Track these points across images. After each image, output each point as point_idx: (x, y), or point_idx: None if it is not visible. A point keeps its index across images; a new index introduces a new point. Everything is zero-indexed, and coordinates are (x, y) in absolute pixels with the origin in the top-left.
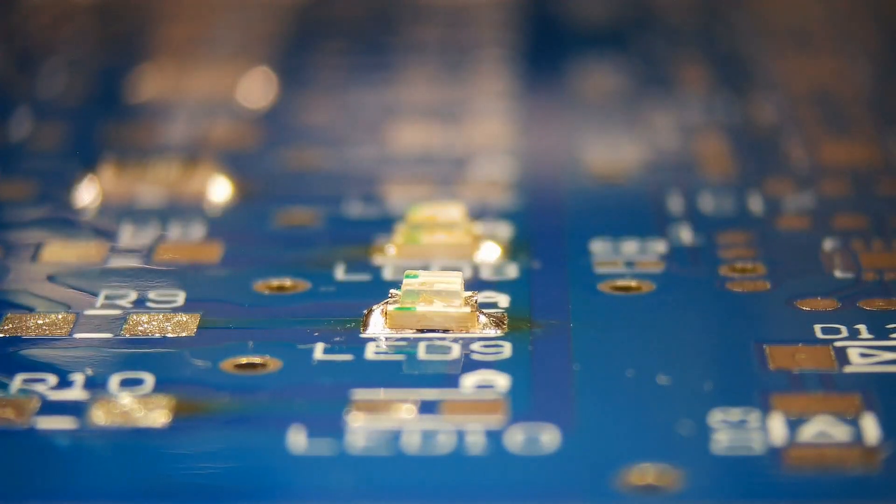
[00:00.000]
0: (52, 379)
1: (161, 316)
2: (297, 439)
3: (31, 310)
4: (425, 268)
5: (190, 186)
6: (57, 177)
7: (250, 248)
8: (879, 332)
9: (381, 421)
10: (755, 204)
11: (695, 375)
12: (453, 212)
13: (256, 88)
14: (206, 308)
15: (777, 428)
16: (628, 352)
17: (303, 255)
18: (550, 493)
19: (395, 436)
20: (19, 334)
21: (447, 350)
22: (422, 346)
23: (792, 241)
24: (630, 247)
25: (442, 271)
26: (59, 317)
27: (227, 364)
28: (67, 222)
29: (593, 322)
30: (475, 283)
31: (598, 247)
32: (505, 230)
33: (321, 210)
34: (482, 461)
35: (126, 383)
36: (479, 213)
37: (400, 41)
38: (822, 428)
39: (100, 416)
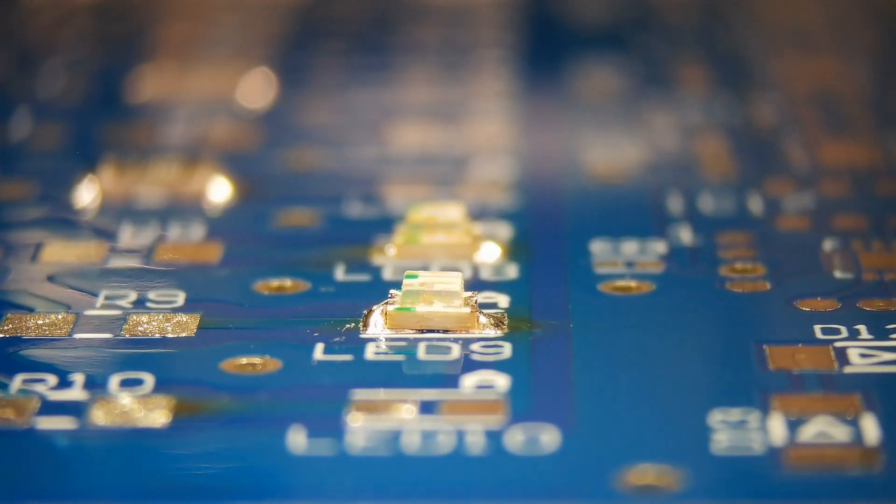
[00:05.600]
0: (52, 379)
1: (161, 316)
2: (297, 439)
3: (31, 310)
4: (425, 268)
5: (190, 186)
6: (57, 177)
7: (250, 248)
8: (879, 333)
9: (381, 421)
10: (755, 204)
11: (695, 375)
12: (453, 212)
13: (256, 89)
14: (206, 308)
15: (777, 428)
16: (628, 352)
17: (303, 256)
18: (550, 493)
19: (395, 436)
20: (19, 334)
21: (447, 350)
22: (422, 347)
23: (792, 241)
24: (630, 247)
25: (442, 271)
26: (59, 317)
27: (228, 364)
28: (67, 222)
29: (593, 322)
30: (475, 284)
31: (598, 247)
32: (505, 230)
33: (321, 210)
34: (482, 461)
35: (126, 383)
36: (478, 214)
37: (399, 41)
38: (822, 428)
39: (100, 416)
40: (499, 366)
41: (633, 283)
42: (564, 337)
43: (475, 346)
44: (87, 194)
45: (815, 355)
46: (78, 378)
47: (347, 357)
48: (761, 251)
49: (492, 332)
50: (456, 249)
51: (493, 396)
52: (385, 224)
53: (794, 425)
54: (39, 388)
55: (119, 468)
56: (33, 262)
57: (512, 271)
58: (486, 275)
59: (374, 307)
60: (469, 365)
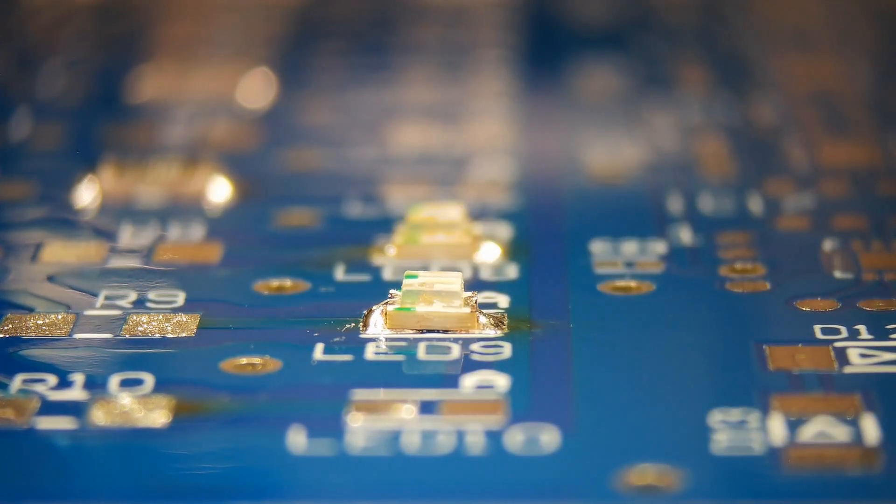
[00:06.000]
0: (52, 379)
1: (161, 316)
2: (297, 439)
3: (31, 310)
4: (425, 268)
5: (190, 186)
6: (57, 177)
7: (250, 248)
8: (879, 333)
9: (381, 421)
10: (755, 204)
11: (695, 375)
12: (453, 212)
13: (256, 89)
14: (206, 308)
15: (777, 428)
16: (628, 352)
17: (303, 256)
18: (550, 493)
19: (395, 436)
20: (19, 334)
21: (447, 350)
22: (422, 347)
23: (792, 241)
24: (630, 247)
25: (442, 272)
26: (59, 317)
27: (228, 364)
28: (67, 222)
29: (593, 322)
30: (475, 284)
31: (598, 247)
32: (505, 230)
33: (321, 210)
34: (482, 461)
35: (126, 383)
36: (478, 214)
37: (399, 42)
38: (822, 428)
39: (100, 416)
40: (499, 366)
41: (633, 283)
42: (564, 337)
43: (475, 347)
44: (87, 194)
45: (814, 355)
46: (78, 378)
47: (347, 357)
48: (761, 251)
49: (492, 332)
50: (456, 249)
51: (493, 396)
52: (385, 224)
53: (794, 425)
54: (39, 388)
55: (119, 468)
56: (33, 262)
57: (512, 271)
58: (486, 275)
59: (374, 307)
60: (469, 365)
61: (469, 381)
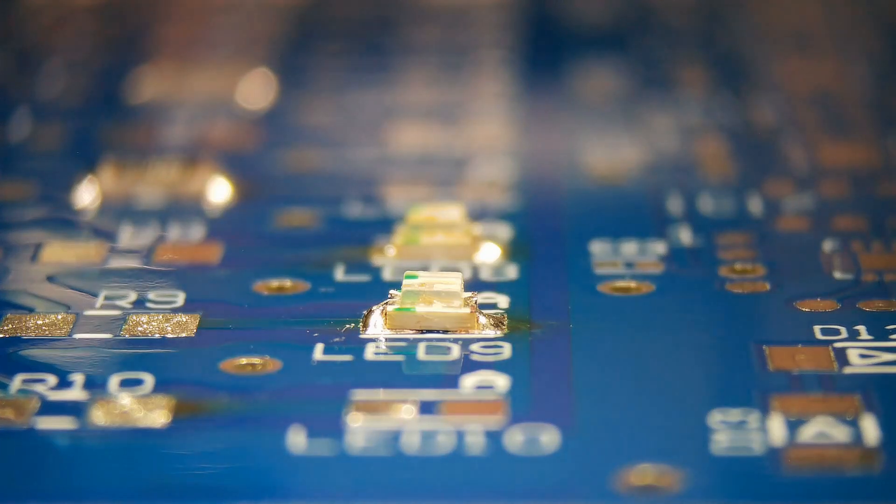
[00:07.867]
0: (52, 379)
1: (161, 316)
2: (297, 439)
3: (31, 310)
4: (425, 268)
5: (190, 186)
6: (57, 177)
7: (250, 249)
8: (879, 334)
9: (380, 421)
10: (755, 205)
11: (695, 376)
12: (453, 213)
13: (256, 89)
14: (206, 308)
15: (777, 429)
16: (628, 352)
17: (303, 256)
18: (550, 493)
19: (395, 436)
20: (19, 334)
21: (447, 350)
22: (421, 347)
23: (791, 242)
24: (630, 248)
25: (441, 272)
26: (59, 317)
27: (228, 364)
28: (67, 222)
29: (593, 322)
30: (475, 284)
31: (598, 248)
32: (504, 231)
33: (321, 211)
34: (482, 461)
35: (126, 383)
36: (478, 214)
37: (399, 42)
38: (822, 429)
39: (99, 417)
40: (499, 366)
41: (632, 284)
42: (564, 337)
43: (475, 347)
44: (87, 194)
45: (814, 356)
46: (78, 378)
47: (347, 357)
48: (761, 252)
49: (491, 333)
50: (456, 250)
51: (493, 397)
52: (385, 224)
53: (793, 426)
54: (39, 388)
55: (119, 468)
56: (33, 262)
57: (512, 272)
58: (485, 275)
59: (374, 307)
60: (469, 365)
61: (469, 381)
